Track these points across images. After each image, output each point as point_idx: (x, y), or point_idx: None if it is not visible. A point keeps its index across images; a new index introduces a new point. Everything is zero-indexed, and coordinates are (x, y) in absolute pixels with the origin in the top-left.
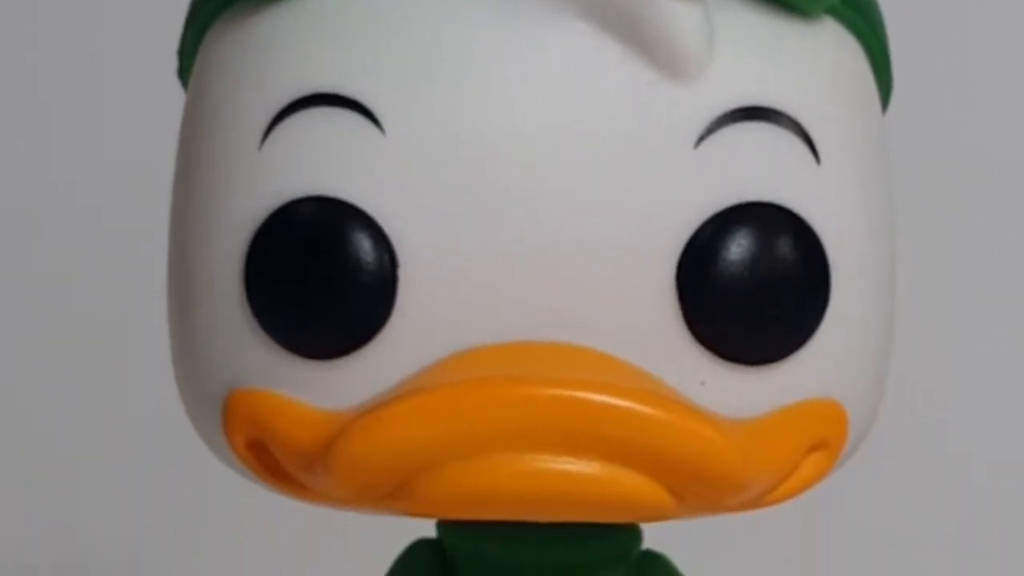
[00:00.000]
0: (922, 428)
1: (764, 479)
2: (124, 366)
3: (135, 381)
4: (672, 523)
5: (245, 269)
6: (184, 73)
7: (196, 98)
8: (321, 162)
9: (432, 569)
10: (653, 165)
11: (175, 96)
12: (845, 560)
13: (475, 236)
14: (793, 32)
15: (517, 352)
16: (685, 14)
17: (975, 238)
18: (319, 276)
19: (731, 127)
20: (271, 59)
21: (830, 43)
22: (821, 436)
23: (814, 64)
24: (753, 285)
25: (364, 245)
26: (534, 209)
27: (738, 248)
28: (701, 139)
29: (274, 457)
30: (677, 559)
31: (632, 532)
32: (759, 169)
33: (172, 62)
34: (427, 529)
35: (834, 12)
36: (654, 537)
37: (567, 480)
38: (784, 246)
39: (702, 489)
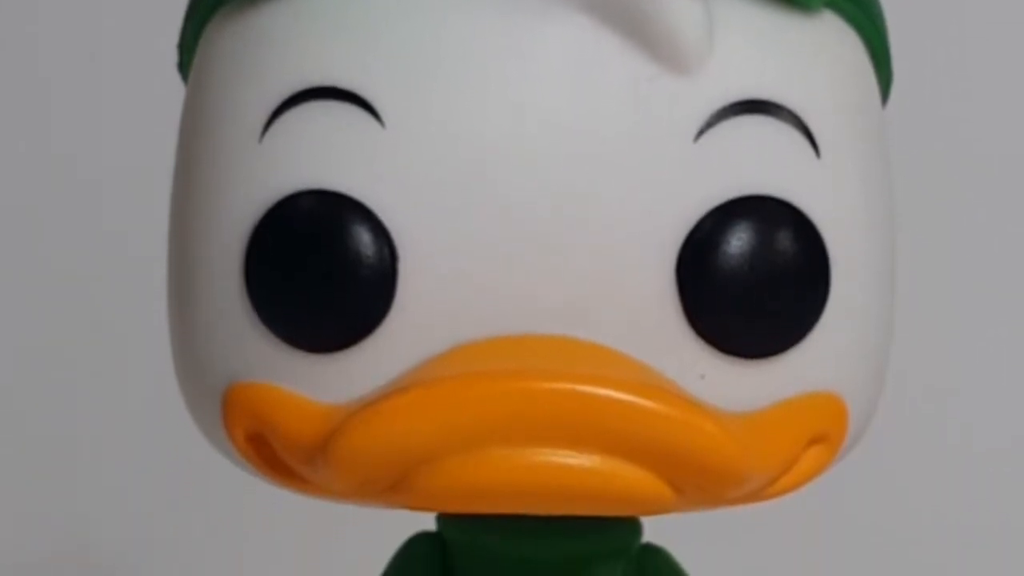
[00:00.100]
0: (922, 422)
1: (764, 472)
2: (123, 360)
3: (134, 375)
4: (672, 516)
5: (245, 262)
6: (184, 67)
7: (196, 92)
8: (321, 156)
9: (432, 562)
10: (653, 159)
11: (175, 90)
12: (845, 553)
13: (475, 230)
14: (793, 25)
15: (517, 346)
16: (685, 8)
17: (975, 231)
18: (319, 269)
19: (731, 120)
20: (271, 52)
21: (830, 36)
22: (821, 429)
23: (814, 57)
24: (753, 278)
25: (364, 238)
26: (534, 203)
27: (738, 241)
28: (701, 133)
29: (274, 450)
30: (677, 552)
31: (632, 525)
32: (759, 162)
33: (172, 56)
34: (427, 522)
35: (834, 5)
36: (654, 531)
37: (567, 473)
38: (784, 239)
39: (702, 482)
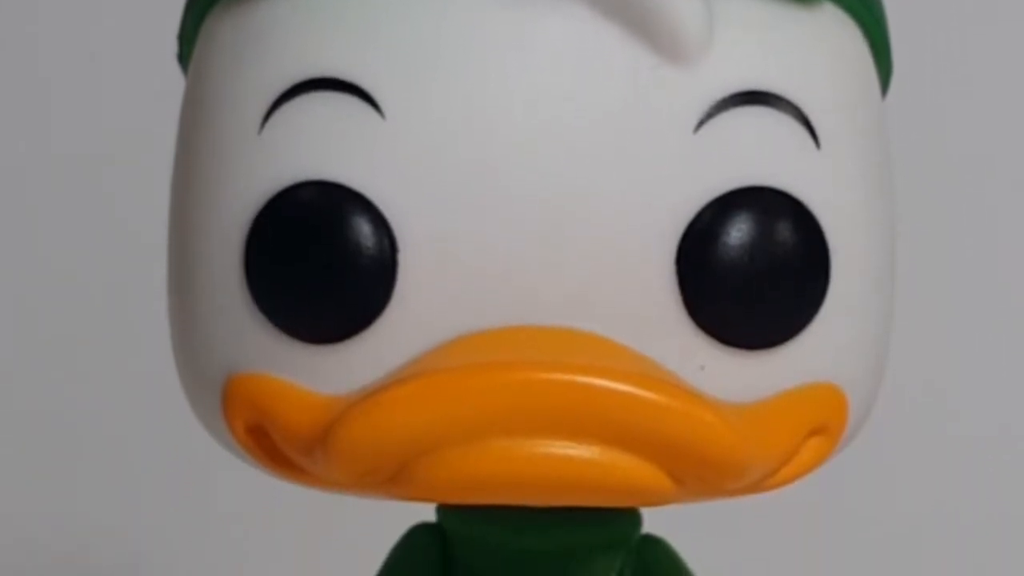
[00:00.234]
0: (922, 413)
1: (764, 463)
2: (123, 353)
3: (134, 368)
4: (672, 507)
5: (245, 253)
6: (184, 58)
7: (196, 83)
8: (321, 146)
9: (431, 553)
10: (653, 150)
11: (175, 81)
12: (845, 544)
13: (475, 220)
14: (793, 17)
15: (517, 337)
16: None
17: (975, 224)
18: (319, 260)
19: (731, 111)
20: (271, 43)
21: (830, 28)
22: (821, 421)
23: (814, 49)
24: (753, 269)
25: (364, 229)
26: (534, 193)
27: (738, 232)
28: (701, 123)
29: (274, 442)
30: (677, 543)
31: (632, 516)
32: (759, 153)
33: (172, 46)
34: (427, 513)
35: None
36: (654, 522)
37: (567, 464)
38: (784, 230)
39: (702, 473)
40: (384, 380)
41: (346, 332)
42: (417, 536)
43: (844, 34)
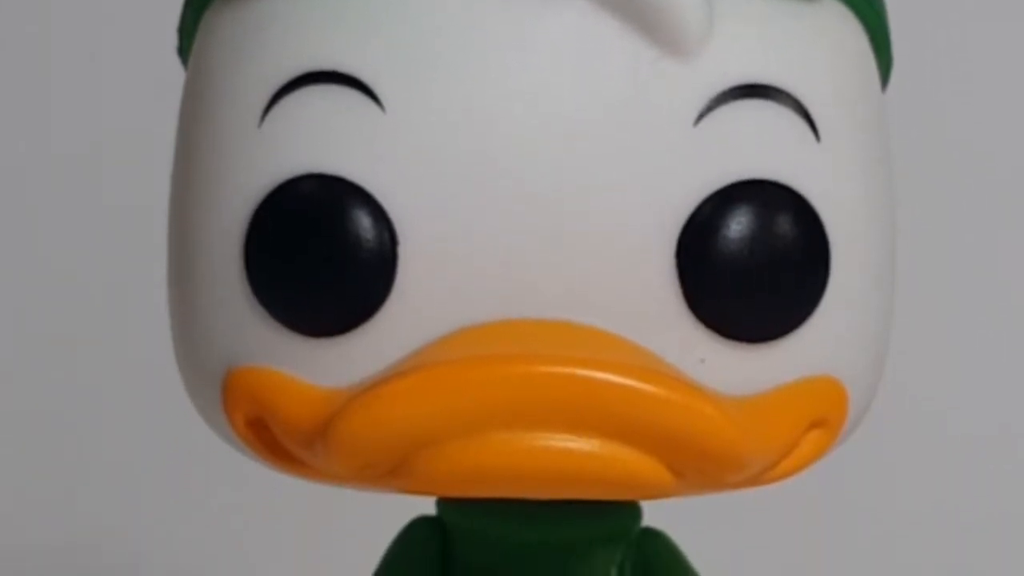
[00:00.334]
0: (922, 406)
1: (764, 456)
2: (123, 347)
3: (134, 362)
4: (672, 501)
5: (245, 247)
6: (184, 51)
7: (196, 76)
8: (321, 139)
9: (431, 546)
10: (653, 143)
11: (175, 74)
12: (844, 538)
13: (475, 214)
14: (793, 10)
15: (517, 330)
16: None
17: (976, 217)
18: (319, 253)
19: (731, 105)
20: (271, 37)
21: (830, 21)
22: (821, 414)
23: (814, 42)
24: (753, 262)
25: (364, 222)
26: (534, 187)
27: (738, 226)
28: (701, 117)
29: (274, 435)
30: (677, 536)
31: (632, 510)
32: (759, 147)
33: (172, 39)
34: (427, 507)
35: None
36: (654, 515)
37: (567, 457)
38: (784, 223)
39: (702, 466)
40: (384, 373)
41: (346, 325)
42: (417, 529)
43: (844, 27)
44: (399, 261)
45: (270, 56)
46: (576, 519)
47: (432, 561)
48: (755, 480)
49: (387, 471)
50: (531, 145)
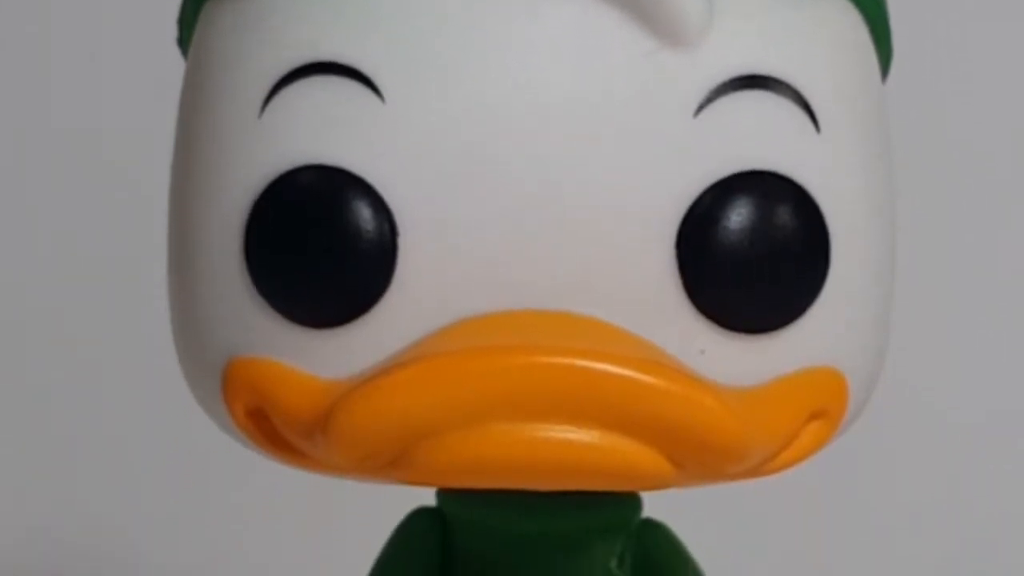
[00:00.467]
0: (922, 397)
1: (764, 448)
2: (122, 342)
3: (133, 356)
4: (672, 492)
5: (245, 238)
6: (184, 42)
7: (196, 67)
8: (321, 130)
9: (431, 538)
10: (653, 134)
11: (175, 65)
12: (845, 528)
13: (475, 205)
14: (793, 2)
15: (518, 321)
16: None
17: (976, 210)
18: (319, 244)
19: (731, 96)
20: (270, 28)
21: (830, 12)
22: (821, 405)
23: (814, 33)
24: (753, 253)
25: (364, 213)
26: (534, 179)
27: (738, 217)
28: (701, 108)
29: (274, 425)
30: (677, 528)
31: (632, 501)
32: (759, 138)
33: (172, 31)
34: (427, 498)
35: None
36: (654, 506)
37: (567, 449)
38: (784, 214)
39: (702, 457)
40: (384, 364)
41: (346, 316)
42: (417, 520)
43: (844, 19)
44: (399, 252)
45: (270, 47)
46: (576, 510)
47: (432, 552)
48: (755, 471)
49: (387, 462)
50: (531, 136)
